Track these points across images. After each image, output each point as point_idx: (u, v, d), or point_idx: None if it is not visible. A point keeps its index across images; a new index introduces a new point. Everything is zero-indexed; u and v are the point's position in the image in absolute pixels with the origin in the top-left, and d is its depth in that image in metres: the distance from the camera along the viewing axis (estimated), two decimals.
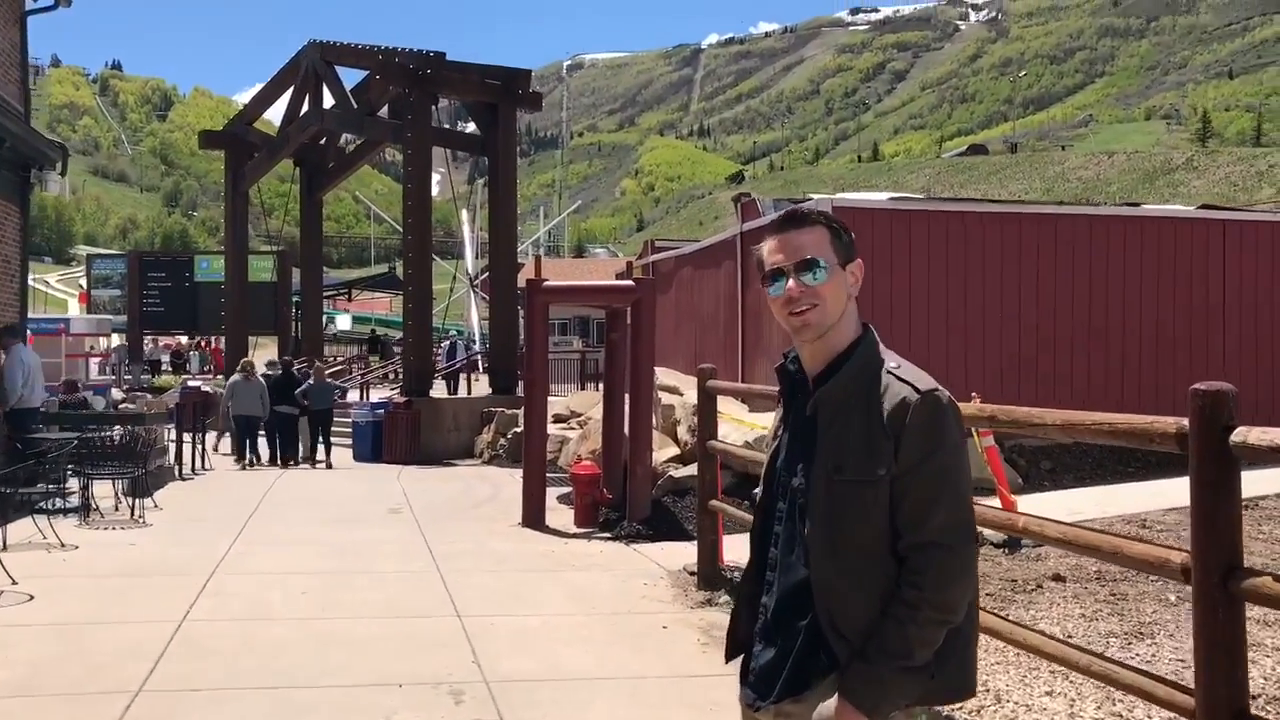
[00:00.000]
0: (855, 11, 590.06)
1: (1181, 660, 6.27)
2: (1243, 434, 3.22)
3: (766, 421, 11.87)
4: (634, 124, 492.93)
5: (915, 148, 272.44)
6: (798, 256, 2.35)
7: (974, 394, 9.34)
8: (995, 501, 9.26)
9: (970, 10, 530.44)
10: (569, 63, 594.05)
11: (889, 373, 2.29)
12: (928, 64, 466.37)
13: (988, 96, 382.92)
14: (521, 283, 14.06)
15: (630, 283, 11.85)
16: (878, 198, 13.26)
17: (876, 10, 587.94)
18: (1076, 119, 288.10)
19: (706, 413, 8.12)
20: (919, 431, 2.21)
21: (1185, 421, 3.43)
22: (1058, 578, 8.21)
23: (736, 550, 8.82)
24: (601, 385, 14.20)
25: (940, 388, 2.27)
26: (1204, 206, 13.84)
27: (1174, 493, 11.03)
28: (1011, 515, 5.06)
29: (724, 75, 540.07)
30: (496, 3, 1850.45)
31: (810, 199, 15.04)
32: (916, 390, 2.25)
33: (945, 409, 2.25)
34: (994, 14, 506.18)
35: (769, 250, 2.43)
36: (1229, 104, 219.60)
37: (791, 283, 2.35)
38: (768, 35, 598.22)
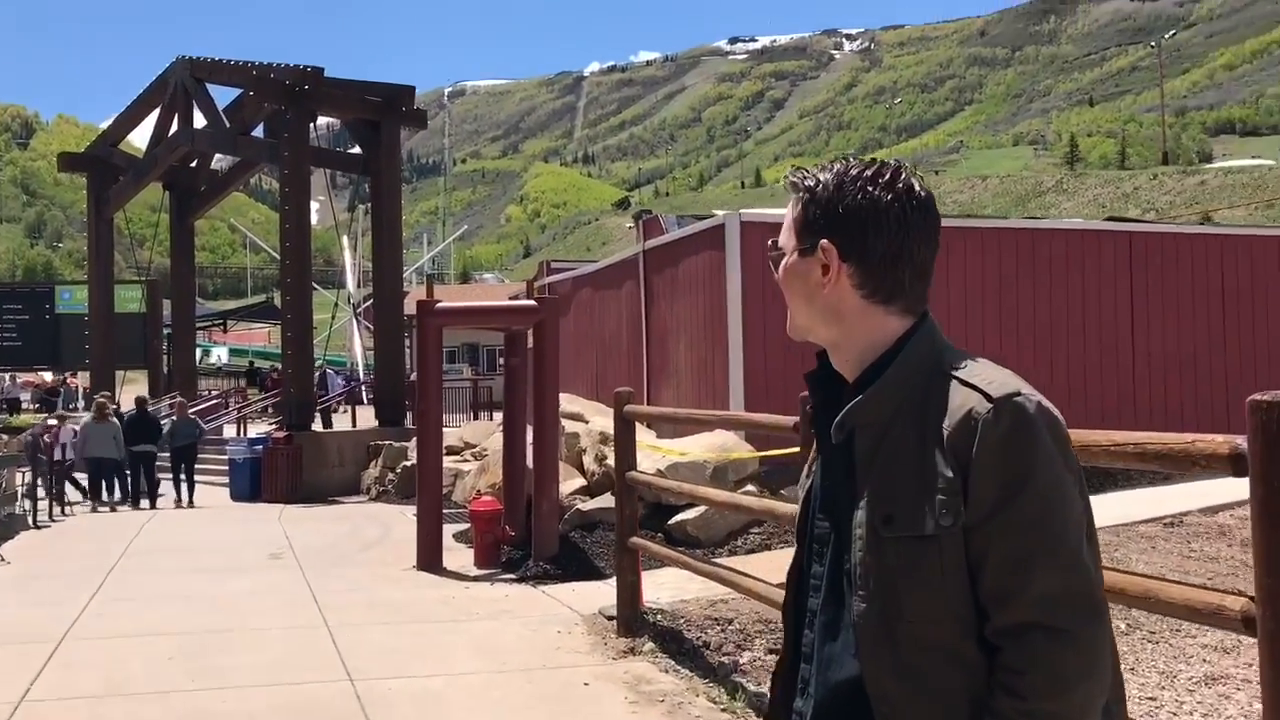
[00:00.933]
0: (734, 41, 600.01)
1: (1151, 698, 5.78)
2: None
3: (684, 447, 11.19)
4: (518, 151, 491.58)
5: None
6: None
7: None
8: None
9: (844, 40, 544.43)
10: (450, 89, 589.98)
11: (950, 375, 1.60)
12: (805, 93, 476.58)
13: (863, 124, 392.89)
14: (411, 307, 13.17)
15: (532, 303, 11.07)
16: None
17: (754, 40, 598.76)
18: (949, 145, 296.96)
19: (624, 441, 7.39)
20: (995, 459, 1.51)
21: (1240, 440, 2.87)
22: None
23: (655, 589, 8.11)
24: (496, 414, 13.37)
25: (1025, 390, 1.56)
26: (1110, 218, 13.69)
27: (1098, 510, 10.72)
28: None
29: (607, 103, 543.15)
30: (374, 29, 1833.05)
31: (714, 214, 14.49)
32: (987, 397, 1.54)
33: (1033, 422, 1.53)
34: (867, 44, 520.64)
35: None
36: (1091, 130, 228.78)
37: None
38: (649, 64, 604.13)
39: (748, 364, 11.75)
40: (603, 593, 8.31)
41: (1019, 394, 1.55)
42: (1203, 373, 13.69)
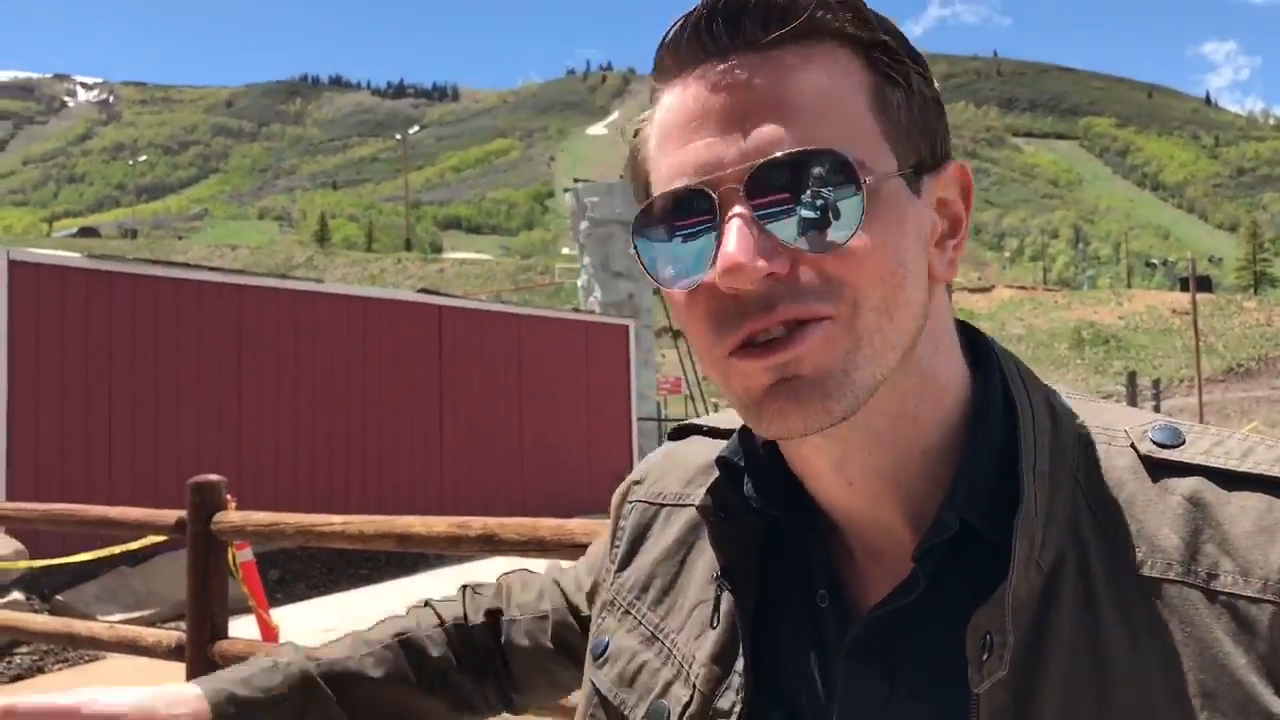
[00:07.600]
0: None
1: None
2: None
3: None
4: None
5: (18, 225, 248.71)
6: (764, 146, 0.65)
7: (230, 497, 7.51)
8: (252, 628, 7.51)
9: (80, 88, 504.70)
10: None
11: (1180, 467, 0.70)
12: (31, 137, 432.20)
13: (99, 179, 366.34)
14: None
15: None
16: (70, 255, 10.48)
17: None
18: (192, 211, 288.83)
19: None
20: None
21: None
22: None
23: None
24: None
25: None
26: (422, 290, 13.48)
27: (418, 591, 10.24)
28: None
29: None
30: None
31: None
32: None
33: None
34: (105, 95, 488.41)
35: (680, 126, 0.68)
36: (335, 212, 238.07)
37: (735, 238, 0.64)
38: None
39: (14, 440, 9.29)
40: None
41: None
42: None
